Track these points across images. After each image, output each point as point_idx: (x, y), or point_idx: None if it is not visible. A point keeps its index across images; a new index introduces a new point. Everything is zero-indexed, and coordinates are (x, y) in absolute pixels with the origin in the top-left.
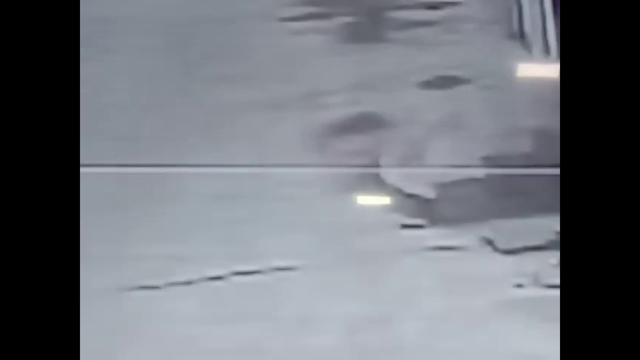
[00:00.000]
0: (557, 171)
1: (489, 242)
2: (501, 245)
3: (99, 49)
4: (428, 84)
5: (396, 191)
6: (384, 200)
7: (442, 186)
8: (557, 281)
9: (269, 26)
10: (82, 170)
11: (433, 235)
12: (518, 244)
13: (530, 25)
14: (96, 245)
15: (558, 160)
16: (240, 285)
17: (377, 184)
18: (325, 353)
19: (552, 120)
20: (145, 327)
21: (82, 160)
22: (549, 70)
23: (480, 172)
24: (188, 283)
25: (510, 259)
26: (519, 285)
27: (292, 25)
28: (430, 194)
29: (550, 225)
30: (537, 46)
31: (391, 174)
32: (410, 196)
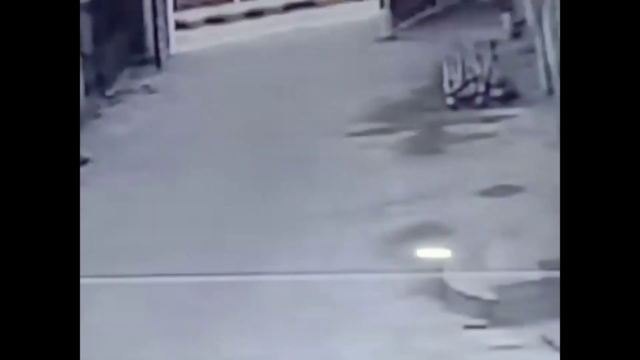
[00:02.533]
0: None
1: (549, 342)
2: (559, 343)
3: (176, 165)
4: (485, 193)
5: (459, 294)
6: (448, 302)
7: (502, 289)
8: None
9: (337, 141)
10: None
11: (495, 335)
12: None
13: None
14: (181, 344)
15: None
16: None
17: (441, 288)
18: None
19: None
20: None
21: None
22: None
23: (537, 275)
24: None
25: None
26: None
27: (359, 140)
28: (491, 295)
29: None
30: None
31: (454, 278)
32: (472, 298)
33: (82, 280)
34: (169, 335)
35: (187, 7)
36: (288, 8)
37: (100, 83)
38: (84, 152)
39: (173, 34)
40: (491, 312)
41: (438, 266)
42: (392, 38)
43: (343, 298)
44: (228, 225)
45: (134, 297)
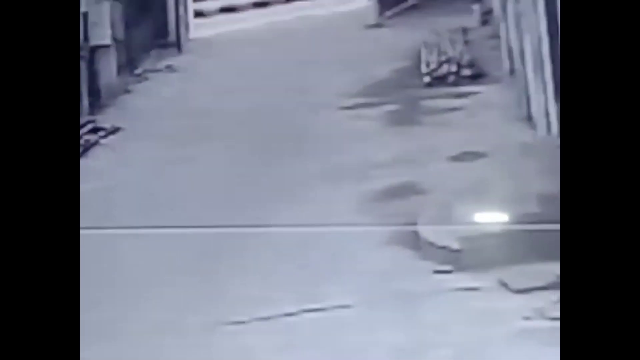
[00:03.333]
0: (557, 227)
1: (504, 284)
2: (514, 286)
3: (195, 134)
4: (455, 158)
5: (430, 244)
6: (421, 251)
7: (467, 239)
8: (558, 314)
9: (331, 113)
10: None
11: (460, 279)
12: (527, 285)
13: (536, 109)
14: (196, 287)
15: (559, 218)
16: (308, 319)
17: (415, 239)
18: None
19: (552, 186)
20: (237, 355)
21: (181, 221)
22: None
23: (496, 228)
24: (267, 319)
25: (521, 297)
26: (527, 318)
27: (349, 112)
28: (457, 245)
29: (551, 270)
30: (541, 126)
31: (426, 231)
32: (441, 248)
33: (112, 231)
34: (188, 275)
35: None
36: None
37: (130, 63)
38: (116, 122)
39: (192, 21)
40: (457, 259)
41: (413, 220)
42: (378, 25)
43: (333, 247)
44: (238, 185)
45: (155, 245)
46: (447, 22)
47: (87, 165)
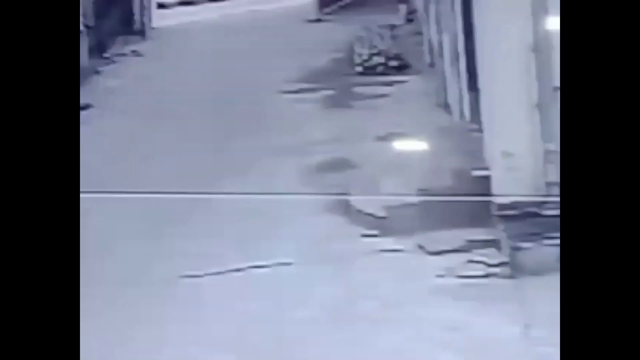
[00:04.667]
0: (470, 198)
1: (421, 247)
2: (429, 248)
3: (157, 109)
4: (382, 138)
5: (359, 212)
6: (351, 218)
7: (390, 208)
8: (466, 272)
9: (275, 96)
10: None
11: (383, 242)
12: (440, 248)
13: (452, 97)
14: (154, 246)
15: (469, 190)
16: (254, 275)
17: (347, 207)
18: (308, 321)
19: (464, 162)
20: (194, 303)
21: (145, 186)
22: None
23: (415, 199)
24: (219, 273)
25: (434, 258)
26: (440, 276)
27: (291, 96)
28: (382, 213)
29: (461, 235)
30: (456, 112)
31: (356, 200)
32: (369, 215)
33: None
34: (147, 237)
35: None
36: None
37: (100, 48)
38: (87, 99)
39: (154, 12)
40: (382, 225)
41: (345, 190)
42: (317, 20)
43: (276, 213)
44: (196, 156)
45: (118, 209)
46: (377, 20)
47: None
